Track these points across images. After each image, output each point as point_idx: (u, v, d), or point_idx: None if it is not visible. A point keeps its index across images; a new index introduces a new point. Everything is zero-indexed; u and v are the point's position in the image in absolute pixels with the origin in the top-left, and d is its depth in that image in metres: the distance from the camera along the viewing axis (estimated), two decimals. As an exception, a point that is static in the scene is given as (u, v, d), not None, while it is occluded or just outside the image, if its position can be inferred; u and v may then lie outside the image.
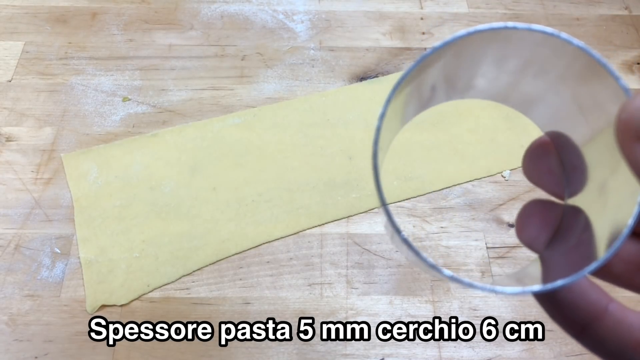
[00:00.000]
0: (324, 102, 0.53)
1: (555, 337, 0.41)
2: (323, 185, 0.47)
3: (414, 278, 0.43)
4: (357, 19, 0.60)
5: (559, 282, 0.12)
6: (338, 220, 0.46)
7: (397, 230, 0.13)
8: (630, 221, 0.12)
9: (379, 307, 0.42)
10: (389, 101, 0.13)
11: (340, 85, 0.54)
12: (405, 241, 0.13)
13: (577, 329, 0.14)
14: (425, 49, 0.58)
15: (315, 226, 0.46)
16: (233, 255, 0.44)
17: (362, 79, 0.55)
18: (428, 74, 0.14)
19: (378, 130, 0.13)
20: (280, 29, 0.59)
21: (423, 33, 0.59)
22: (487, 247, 0.45)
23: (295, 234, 0.45)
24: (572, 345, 0.40)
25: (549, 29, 0.12)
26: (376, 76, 0.55)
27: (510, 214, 0.46)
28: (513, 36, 0.13)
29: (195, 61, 0.56)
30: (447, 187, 0.48)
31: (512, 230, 0.46)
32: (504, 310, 0.42)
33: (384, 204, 0.13)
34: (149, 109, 0.52)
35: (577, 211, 0.15)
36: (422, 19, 0.61)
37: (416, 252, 0.13)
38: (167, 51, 0.57)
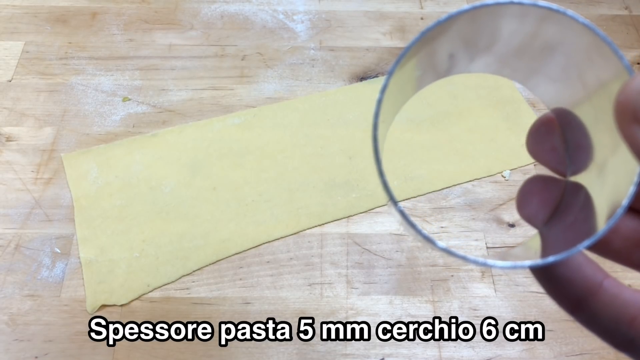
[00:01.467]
0: (324, 102, 0.53)
1: (555, 337, 0.41)
2: (323, 185, 0.47)
3: (414, 278, 0.43)
4: (357, 19, 0.60)
5: (551, 258, 0.12)
6: (338, 220, 0.46)
7: (394, 202, 0.13)
8: (625, 201, 0.12)
9: (379, 307, 0.42)
10: (390, 74, 0.13)
11: (340, 85, 0.54)
12: (401, 213, 0.13)
13: (572, 304, 0.14)
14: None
15: (315, 226, 0.46)
16: (233, 255, 0.44)
17: (362, 79, 0.55)
18: (437, 45, 0.14)
19: (379, 102, 0.13)
20: (280, 29, 0.59)
21: (423, 33, 0.59)
22: (487, 247, 0.45)
23: (295, 234, 0.45)
24: (572, 345, 0.40)
25: (554, 6, 0.12)
26: (376, 76, 0.55)
27: (510, 214, 0.46)
28: (520, 12, 0.13)
29: (195, 61, 0.56)
30: (447, 187, 0.48)
31: (512, 230, 0.46)
32: (504, 310, 0.42)
33: (382, 175, 0.13)
34: (149, 109, 0.52)
35: (578, 188, 0.16)
36: (422, 19, 0.61)
37: (412, 224, 0.13)
38: (167, 51, 0.57)
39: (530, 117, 0.52)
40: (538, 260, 0.12)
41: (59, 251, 0.44)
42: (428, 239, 0.13)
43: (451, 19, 0.13)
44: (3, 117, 0.51)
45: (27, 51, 0.56)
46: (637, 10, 0.62)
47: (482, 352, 0.40)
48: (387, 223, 0.46)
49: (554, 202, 0.16)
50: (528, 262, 0.12)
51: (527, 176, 0.54)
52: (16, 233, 0.44)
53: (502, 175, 0.49)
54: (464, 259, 0.12)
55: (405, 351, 0.40)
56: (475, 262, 0.12)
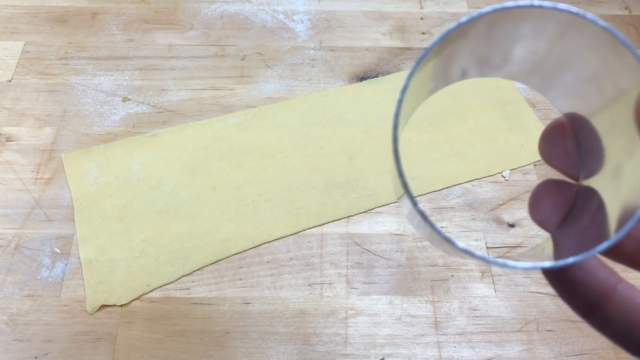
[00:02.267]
0: (324, 102, 0.53)
1: (555, 337, 0.41)
2: (323, 185, 0.47)
3: (414, 278, 0.43)
4: (357, 19, 0.60)
5: (570, 260, 0.12)
6: (338, 220, 0.46)
7: (414, 202, 0.13)
8: None
9: (379, 307, 0.42)
10: (411, 75, 0.13)
11: (340, 85, 0.54)
12: (421, 213, 0.13)
13: (585, 307, 0.14)
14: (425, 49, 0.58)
15: (315, 226, 0.46)
16: (233, 255, 0.44)
17: (362, 79, 0.55)
18: (454, 49, 0.14)
19: (399, 102, 0.13)
20: (280, 29, 0.59)
21: (423, 33, 0.59)
22: (487, 247, 0.45)
23: (295, 234, 0.45)
24: (572, 345, 0.40)
25: (574, 9, 0.12)
26: (376, 76, 0.55)
27: (510, 214, 0.46)
28: (538, 15, 0.13)
29: (195, 61, 0.56)
30: (447, 187, 0.48)
31: (512, 230, 0.46)
32: (504, 310, 0.42)
33: (402, 176, 0.13)
34: (149, 109, 0.52)
35: (591, 192, 0.16)
36: (422, 19, 0.61)
37: (431, 225, 0.13)
38: (167, 51, 0.57)
39: (530, 117, 0.52)
40: (558, 262, 0.12)
41: (59, 251, 0.44)
42: (448, 240, 0.13)
43: (472, 20, 0.13)
44: (3, 117, 0.51)
45: (27, 51, 0.56)
46: (637, 10, 0.62)
47: (482, 352, 0.40)
48: (387, 223, 0.46)
49: (566, 205, 0.16)
50: (548, 263, 0.12)
51: (527, 176, 0.53)
52: (16, 233, 0.44)
53: (502, 175, 0.49)
54: (484, 260, 0.12)
55: (405, 351, 0.40)
56: (495, 263, 0.12)
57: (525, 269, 0.12)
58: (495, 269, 0.44)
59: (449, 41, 0.13)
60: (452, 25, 0.13)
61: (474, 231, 0.45)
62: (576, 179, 0.17)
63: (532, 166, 0.49)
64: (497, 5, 0.13)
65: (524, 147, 0.50)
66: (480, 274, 0.43)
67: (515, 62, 0.15)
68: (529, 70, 0.16)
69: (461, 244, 0.13)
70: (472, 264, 0.44)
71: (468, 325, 0.41)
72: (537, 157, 0.49)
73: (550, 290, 0.43)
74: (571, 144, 0.16)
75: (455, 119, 0.52)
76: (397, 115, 0.14)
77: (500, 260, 0.12)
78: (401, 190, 0.14)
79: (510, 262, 0.12)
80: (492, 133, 0.51)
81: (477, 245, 0.45)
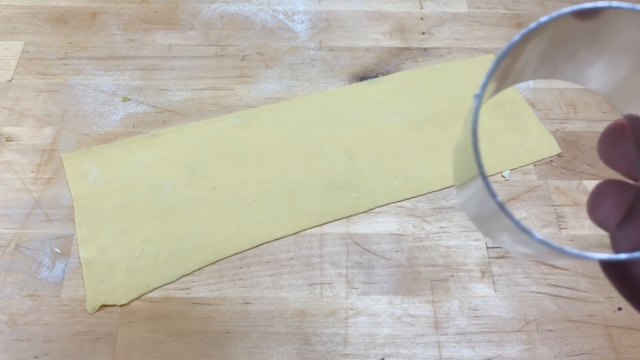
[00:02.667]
0: (324, 102, 0.53)
1: (555, 337, 0.41)
2: (323, 185, 0.47)
3: (414, 278, 0.43)
4: (357, 19, 0.60)
5: None
6: (338, 220, 0.46)
7: (493, 194, 0.13)
8: None
9: (379, 307, 0.42)
10: (491, 73, 0.13)
11: (340, 85, 0.54)
12: (500, 205, 0.13)
13: None
14: (425, 49, 0.58)
15: (315, 226, 0.46)
16: (233, 255, 0.44)
17: (362, 78, 0.55)
18: (526, 50, 0.14)
19: (479, 98, 0.14)
20: (280, 29, 0.59)
21: (423, 33, 0.59)
22: (487, 247, 0.45)
23: (295, 234, 0.45)
24: (572, 345, 0.40)
25: None
26: (376, 76, 0.55)
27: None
28: (614, 17, 0.13)
29: (195, 61, 0.56)
30: (447, 187, 0.48)
31: (512, 230, 0.46)
32: (503, 310, 0.42)
33: (480, 167, 0.13)
34: (149, 109, 0.52)
35: None
36: (422, 19, 0.61)
37: (509, 216, 0.13)
38: (167, 51, 0.57)
39: (530, 117, 0.52)
40: (634, 254, 0.12)
41: (59, 251, 0.44)
42: (526, 231, 0.13)
43: (552, 20, 0.13)
44: (3, 117, 0.51)
45: (27, 51, 0.56)
46: (637, 10, 0.62)
47: (482, 352, 0.40)
48: (387, 223, 0.46)
49: (626, 205, 0.16)
50: (624, 255, 0.12)
51: (527, 176, 0.53)
52: (16, 233, 0.44)
53: (502, 175, 0.49)
54: (561, 251, 0.12)
55: (405, 351, 0.40)
56: (571, 254, 0.12)
57: (603, 260, 0.12)
58: (495, 268, 0.44)
59: (527, 40, 0.13)
60: (532, 24, 0.13)
61: (473, 231, 0.45)
62: (636, 180, 0.17)
63: (532, 166, 0.49)
64: (576, 7, 0.12)
65: (524, 147, 0.50)
66: (480, 274, 0.43)
67: (589, 67, 0.15)
68: (596, 71, 0.15)
69: (538, 234, 0.12)
70: (472, 263, 0.44)
71: (468, 325, 0.41)
72: (537, 157, 0.49)
73: (550, 290, 0.43)
74: (631, 144, 0.16)
75: (455, 119, 0.52)
76: (476, 110, 0.14)
77: (577, 252, 0.12)
78: (466, 178, 0.14)
79: (587, 254, 0.12)
80: (492, 133, 0.51)
81: (477, 245, 0.45)
